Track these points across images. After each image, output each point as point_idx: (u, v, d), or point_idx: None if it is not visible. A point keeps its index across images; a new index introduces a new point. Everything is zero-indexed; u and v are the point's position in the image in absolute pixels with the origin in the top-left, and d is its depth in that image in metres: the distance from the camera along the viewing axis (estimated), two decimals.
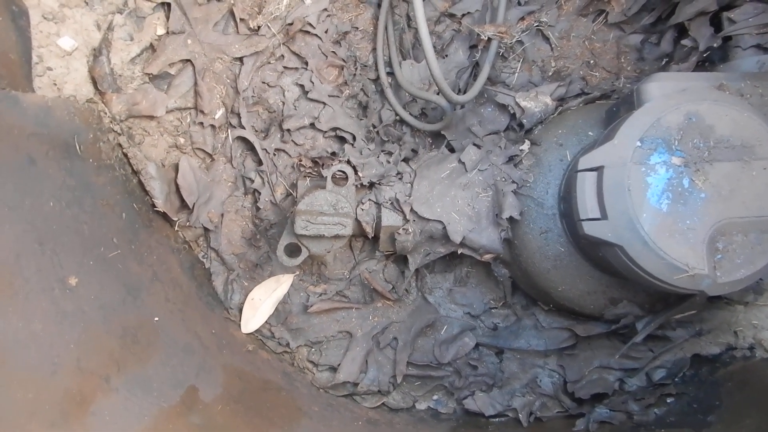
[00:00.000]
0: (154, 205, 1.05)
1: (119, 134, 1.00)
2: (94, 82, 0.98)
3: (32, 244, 0.76)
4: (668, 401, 1.00)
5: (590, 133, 1.00)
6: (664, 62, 1.11)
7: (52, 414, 0.66)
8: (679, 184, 0.77)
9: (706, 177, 0.77)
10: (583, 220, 0.85)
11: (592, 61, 1.14)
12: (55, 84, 0.92)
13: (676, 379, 1.02)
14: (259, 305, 1.13)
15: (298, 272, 1.16)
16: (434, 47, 1.15)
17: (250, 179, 1.14)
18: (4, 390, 0.63)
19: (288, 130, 1.13)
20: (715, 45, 0.97)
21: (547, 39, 1.15)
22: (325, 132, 1.15)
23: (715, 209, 0.76)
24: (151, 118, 1.06)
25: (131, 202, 1.01)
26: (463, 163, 1.04)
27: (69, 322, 0.76)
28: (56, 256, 0.79)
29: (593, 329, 1.06)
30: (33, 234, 0.77)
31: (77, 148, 0.90)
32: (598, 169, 0.82)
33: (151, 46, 1.06)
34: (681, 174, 0.77)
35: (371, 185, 1.05)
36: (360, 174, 1.05)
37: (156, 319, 0.93)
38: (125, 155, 1.02)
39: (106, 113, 0.98)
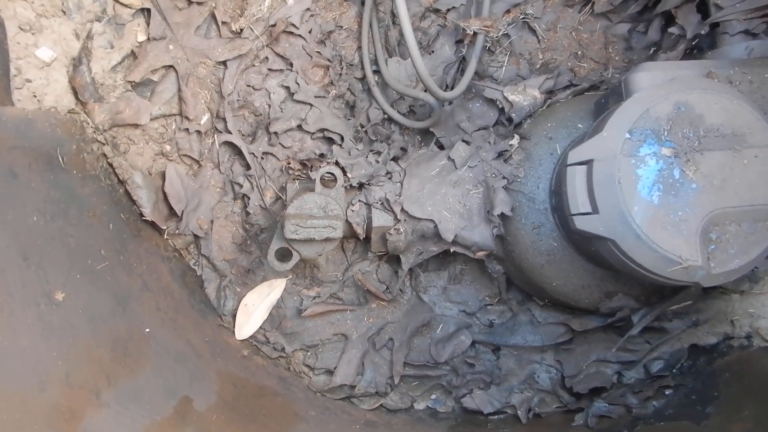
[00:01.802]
0: (142, 215, 1.04)
1: (103, 144, 0.99)
2: (75, 92, 0.96)
3: (16, 258, 0.75)
4: (666, 393, 0.99)
5: (580, 125, 0.99)
6: (652, 51, 1.10)
7: None
8: (669, 176, 0.76)
9: (697, 167, 0.76)
10: (574, 214, 0.84)
11: (579, 52, 1.13)
12: (35, 96, 0.90)
13: (674, 371, 1.01)
14: (253, 311, 1.12)
15: (290, 276, 1.15)
16: (420, 43, 1.14)
17: (238, 184, 1.13)
18: None
19: (275, 133, 1.12)
20: (702, 32, 0.96)
21: (533, 31, 1.14)
22: (313, 133, 1.13)
23: (708, 199, 0.75)
24: (136, 126, 1.05)
25: (118, 212, 1.00)
26: (453, 160, 1.03)
27: (56, 337, 0.75)
28: (41, 270, 0.78)
29: (589, 323, 1.06)
30: (17, 248, 0.76)
31: (60, 159, 0.89)
32: (588, 163, 0.81)
33: (132, 53, 1.04)
34: (671, 165, 0.76)
35: (361, 186, 1.04)
36: (349, 175, 1.04)
37: (147, 329, 0.92)
38: (110, 165, 1.00)
39: (88, 123, 0.97)
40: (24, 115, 0.84)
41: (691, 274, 0.76)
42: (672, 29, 1.01)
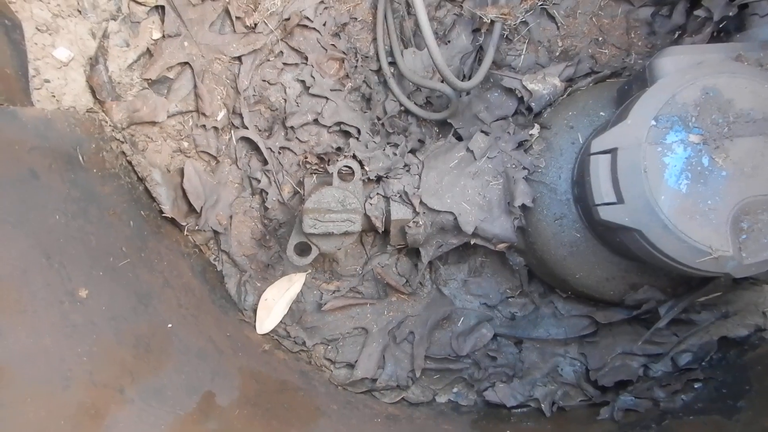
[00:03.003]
0: (161, 212, 1.04)
1: (122, 142, 0.99)
2: (93, 92, 0.97)
3: (39, 258, 0.76)
4: (695, 387, 0.97)
5: (602, 113, 0.96)
6: (676, 35, 1.06)
7: (66, 429, 0.66)
8: (698, 163, 0.74)
9: (726, 154, 0.73)
10: (598, 204, 0.82)
11: (600, 38, 1.10)
12: (54, 96, 0.91)
13: (703, 364, 0.99)
14: (273, 305, 1.12)
15: (310, 270, 1.15)
16: (436, 33, 1.12)
17: (256, 179, 1.13)
18: (15, 407, 0.63)
19: (291, 128, 1.11)
20: (730, 14, 0.92)
21: (552, 18, 1.11)
22: (329, 127, 1.12)
23: (738, 187, 0.73)
24: (153, 123, 1.05)
25: (138, 209, 1.01)
26: (472, 152, 1.01)
27: (80, 335, 0.76)
28: (64, 269, 0.79)
29: (614, 316, 1.03)
30: (39, 248, 0.76)
31: (80, 158, 0.90)
32: (612, 152, 0.79)
33: (148, 51, 1.04)
34: (700, 152, 0.74)
35: (378, 179, 1.03)
36: (366, 168, 1.03)
37: (169, 325, 0.93)
38: (129, 163, 1.01)
39: (107, 122, 0.97)
40: (43, 115, 0.85)
41: (722, 265, 0.73)
42: (698, 12, 0.98)
